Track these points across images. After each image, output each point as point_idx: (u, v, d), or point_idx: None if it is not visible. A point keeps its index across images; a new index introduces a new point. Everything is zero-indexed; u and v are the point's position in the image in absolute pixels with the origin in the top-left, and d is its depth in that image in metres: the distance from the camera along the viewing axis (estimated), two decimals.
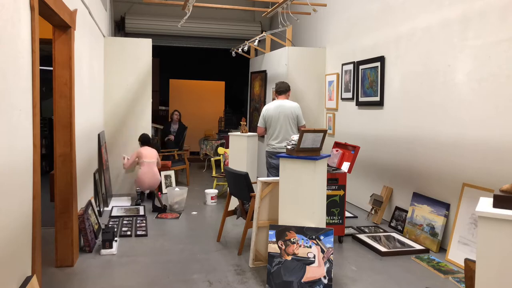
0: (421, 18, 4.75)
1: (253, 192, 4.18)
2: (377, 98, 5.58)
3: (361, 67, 5.96)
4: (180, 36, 9.65)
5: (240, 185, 4.32)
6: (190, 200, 6.33)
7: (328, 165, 4.68)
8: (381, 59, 5.46)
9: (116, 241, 4.31)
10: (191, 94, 12.11)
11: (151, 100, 6.85)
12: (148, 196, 6.21)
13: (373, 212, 5.43)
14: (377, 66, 5.55)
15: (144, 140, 6.26)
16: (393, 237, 4.69)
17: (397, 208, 5.15)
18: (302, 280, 3.31)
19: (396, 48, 5.23)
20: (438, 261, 4.06)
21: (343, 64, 6.49)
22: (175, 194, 5.78)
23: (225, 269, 3.82)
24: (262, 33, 7.79)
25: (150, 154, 6.10)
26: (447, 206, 4.36)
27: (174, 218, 5.45)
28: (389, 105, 5.38)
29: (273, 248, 3.46)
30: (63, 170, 3.69)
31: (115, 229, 4.67)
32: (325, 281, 3.28)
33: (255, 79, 8.74)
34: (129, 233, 4.75)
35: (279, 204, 3.65)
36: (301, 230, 3.47)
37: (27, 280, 2.47)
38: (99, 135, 5.78)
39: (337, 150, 4.93)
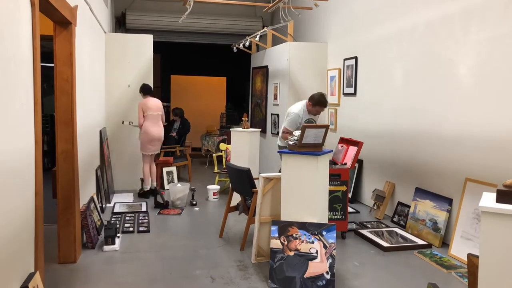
0: (423, 12, 4.72)
1: (255, 187, 4.18)
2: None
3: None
4: (181, 32, 9.62)
5: (242, 181, 4.32)
6: None
7: (331, 161, 4.68)
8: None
9: (118, 237, 4.32)
10: (193, 90, 12.09)
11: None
12: (152, 193, 6.23)
13: (375, 207, 5.43)
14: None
15: (145, 89, 6.12)
16: (396, 232, 4.69)
17: (399, 203, 5.14)
18: (305, 276, 3.31)
19: (398, 43, 5.20)
20: (440, 256, 4.05)
21: (345, 59, 6.47)
22: (177, 190, 5.79)
23: (227, 265, 3.83)
24: (263, 28, 7.75)
25: (156, 107, 6.12)
26: (449, 201, 4.35)
27: (176, 214, 5.46)
28: (392, 100, 5.36)
29: (276, 243, 3.46)
30: (65, 166, 3.69)
31: (118, 226, 4.68)
32: (328, 276, 3.28)
33: (256, 75, 8.72)
34: (131, 229, 4.75)
35: (281, 199, 3.64)
36: (303, 226, 3.46)
37: (30, 276, 2.47)
38: (100, 131, 5.78)
39: (342, 146, 4.92)
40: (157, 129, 6.11)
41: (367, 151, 5.75)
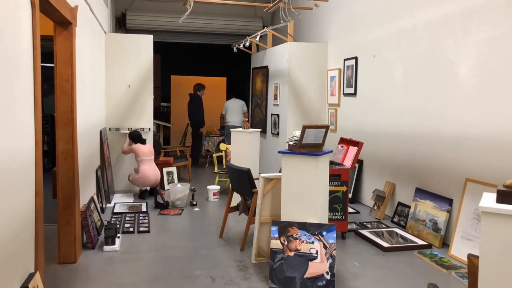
0: (423, 12, 4.73)
1: (255, 188, 4.18)
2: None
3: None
4: (182, 32, 9.62)
5: (242, 181, 4.31)
6: None
7: (331, 162, 4.67)
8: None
9: (118, 237, 4.32)
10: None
11: (152, 96, 6.84)
12: (150, 193, 6.22)
13: (375, 207, 5.43)
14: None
15: (135, 138, 6.13)
16: (396, 233, 4.68)
17: (399, 203, 5.14)
18: (305, 276, 3.31)
19: (398, 43, 5.20)
20: (441, 256, 4.05)
21: (345, 60, 6.47)
22: (177, 190, 5.79)
23: (227, 265, 3.83)
24: (263, 28, 7.75)
25: (149, 151, 6.14)
26: (449, 202, 4.35)
27: (177, 215, 5.46)
28: (392, 100, 5.36)
29: (276, 244, 3.46)
30: (65, 167, 3.69)
31: (118, 226, 4.68)
32: (328, 276, 3.28)
33: (256, 75, 8.72)
34: (131, 229, 4.75)
35: (281, 200, 3.64)
36: (303, 226, 3.46)
37: (30, 276, 2.47)
38: (101, 131, 5.78)
39: (342, 146, 4.92)
40: (154, 172, 6.11)
41: (367, 151, 5.75)
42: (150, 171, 6.02)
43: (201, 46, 11.13)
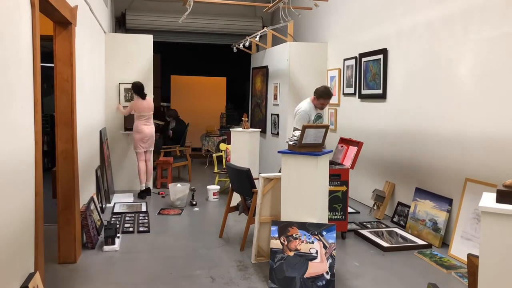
0: (423, 12, 4.73)
1: (255, 188, 4.18)
2: (380, 91, 5.56)
3: (363, 59, 5.93)
4: (181, 32, 9.63)
5: (242, 181, 4.31)
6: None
7: (331, 161, 4.67)
8: (384, 51, 5.44)
9: (118, 237, 4.32)
10: (193, 90, 12.09)
11: (152, 96, 6.83)
12: (148, 193, 6.23)
13: (375, 207, 5.43)
14: (380, 59, 5.53)
15: (137, 89, 6.11)
16: (396, 233, 4.68)
17: (399, 203, 5.14)
18: (305, 276, 3.31)
19: (398, 42, 5.21)
20: (440, 256, 4.05)
21: (345, 59, 6.47)
22: (177, 190, 5.79)
23: (227, 265, 3.83)
24: (263, 28, 7.75)
25: (148, 107, 6.20)
26: (449, 201, 4.35)
27: (176, 214, 5.46)
28: (392, 98, 5.36)
29: (276, 244, 3.46)
30: (65, 166, 3.69)
31: (117, 226, 4.68)
32: (328, 276, 3.28)
33: (256, 75, 8.72)
34: (131, 229, 4.75)
35: (281, 200, 3.64)
36: (303, 226, 3.46)
37: (30, 276, 2.47)
38: (100, 131, 5.78)
39: (341, 146, 4.92)
40: (149, 127, 6.24)
41: (367, 151, 5.74)
42: (144, 125, 6.13)
43: (201, 46, 11.14)
